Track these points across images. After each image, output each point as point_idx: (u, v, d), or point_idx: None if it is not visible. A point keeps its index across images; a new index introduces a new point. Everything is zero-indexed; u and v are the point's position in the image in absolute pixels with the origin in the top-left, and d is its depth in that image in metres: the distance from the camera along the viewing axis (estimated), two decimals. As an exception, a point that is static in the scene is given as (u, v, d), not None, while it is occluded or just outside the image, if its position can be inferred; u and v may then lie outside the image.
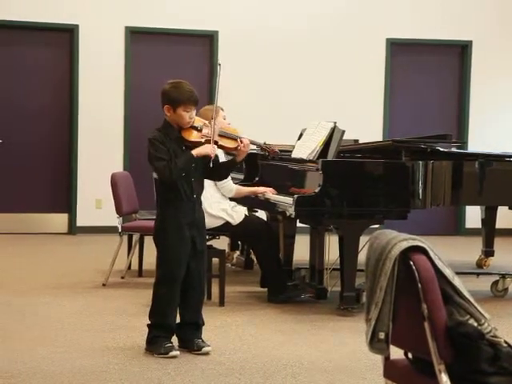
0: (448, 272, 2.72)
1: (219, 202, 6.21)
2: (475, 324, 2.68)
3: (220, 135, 4.87)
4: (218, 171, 4.96)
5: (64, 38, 9.97)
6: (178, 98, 4.65)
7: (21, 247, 8.94)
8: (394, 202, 5.86)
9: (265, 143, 5.73)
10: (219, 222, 6.19)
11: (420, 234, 2.88)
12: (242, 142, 4.91)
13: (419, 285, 2.65)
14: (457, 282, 2.73)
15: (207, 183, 5.70)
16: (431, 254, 2.72)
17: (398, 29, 10.55)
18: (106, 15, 10.00)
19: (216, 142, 4.77)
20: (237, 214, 6.25)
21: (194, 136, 4.70)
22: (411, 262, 2.68)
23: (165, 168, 4.60)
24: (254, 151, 7.25)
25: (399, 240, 2.75)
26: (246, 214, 6.34)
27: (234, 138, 4.93)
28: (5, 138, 9.87)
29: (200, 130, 4.71)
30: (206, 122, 4.79)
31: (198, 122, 4.74)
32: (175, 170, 4.60)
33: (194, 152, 4.66)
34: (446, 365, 2.66)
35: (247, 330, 5.36)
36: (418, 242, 2.74)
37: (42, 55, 9.97)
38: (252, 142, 5.25)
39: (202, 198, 4.92)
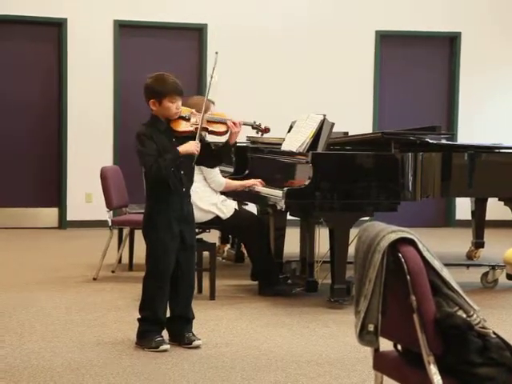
0: (436, 264, 2.73)
1: (209, 197, 6.19)
2: (464, 315, 2.69)
3: (208, 121, 4.85)
4: (211, 157, 4.94)
5: (52, 31, 9.92)
6: (162, 91, 4.62)
7: (11, 242, 8.92)
8: (384, 194, 5.86)
9: (255, 122, 5.68)
10: (209, 216, 6.17)
11: (410, 226, 2.88)
12: (234, 123, 4.87)
13: (408, 277, 2.65)
14: (445, 273, 2.73)
15: (197, 178, 5.68)
16: (420, 245, 2.72)
17: (387, 21, 10.54)
18: (95, 9, 9.97)
19: (206, 129, 4.78)
20: (227, 207, 6.24)
21: (183, 126, 4.70)
22: (400, 254, 2.69)
23: (153, 165, 4.58)
24: (244, 144, 7.24)
25: (388, 232, 2.75)
26: (236, 207, 6.33)
27: (222, 122, 4.90)
28: (-6, 133, 9.86)
29: (188, 120, 4.71)
30: (193, 110, 4.78)
31: (185, 111, 4.74)
32: (163, 166, 4.58)
33: (180, 149, 4.62)
34: (435, 356, 2.66)
35: (238, 324, 5.36)
36: (407, 233, 2.74)
37: (30, 49, 9.92)
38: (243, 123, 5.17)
39: (192, 192, 4.90)
